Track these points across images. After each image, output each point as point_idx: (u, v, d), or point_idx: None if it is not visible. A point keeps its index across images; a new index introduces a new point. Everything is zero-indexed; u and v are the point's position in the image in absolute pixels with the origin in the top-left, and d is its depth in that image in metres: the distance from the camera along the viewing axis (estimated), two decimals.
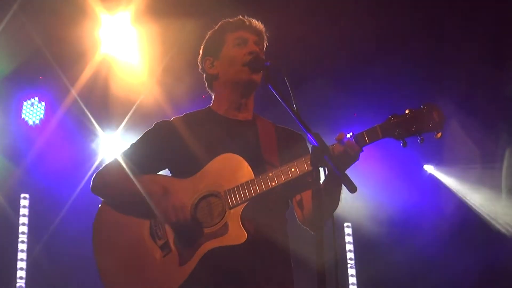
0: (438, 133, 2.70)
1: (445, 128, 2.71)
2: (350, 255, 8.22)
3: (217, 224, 2.82)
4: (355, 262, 8.19)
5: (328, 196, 2.81)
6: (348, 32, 6.30)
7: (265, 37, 3.19)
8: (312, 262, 2.33)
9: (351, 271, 8.17)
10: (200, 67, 3.26)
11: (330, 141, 2.77)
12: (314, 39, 6.30)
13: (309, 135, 2.59)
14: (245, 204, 2.82)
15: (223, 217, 2.82)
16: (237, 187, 2.84)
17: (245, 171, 2.87)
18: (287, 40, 5.75)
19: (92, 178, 3.08)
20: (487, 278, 7.66)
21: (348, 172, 2.72)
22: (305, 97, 5.80)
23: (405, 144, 2.73)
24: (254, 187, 2.82)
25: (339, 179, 2.50)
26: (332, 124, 6.95)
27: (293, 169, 2.81)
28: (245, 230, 2.77)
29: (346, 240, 8.23)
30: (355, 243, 8.26)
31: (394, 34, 6.46)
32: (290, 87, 2.71)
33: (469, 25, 6.30)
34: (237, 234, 2.77)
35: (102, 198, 3.08)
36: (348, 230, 8.29)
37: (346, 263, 8.14)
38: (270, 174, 2.82)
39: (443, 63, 6.82)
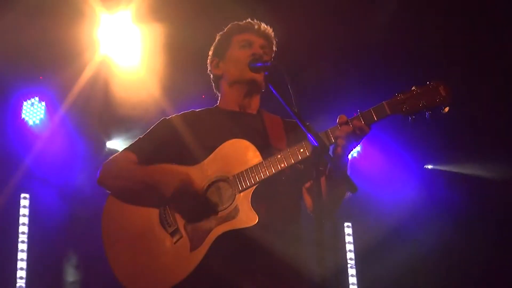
0: (445, 107, 2.70)
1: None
2: (350, 255, 8.21)
3: (227, 208, 2.81)
4: (355, 262, 8.18)
5: (329, 195, 2.81)
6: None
7: (274, 42, 3.22)
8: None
9: (351, 271, 8.17)
10: (208, 68, 3.33)
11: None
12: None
13: (309, 135, 2.59)
14: (255, 186, 2.80)
15: (233, 201, 2.81)
16: (246, 170, 2.83)
17: (253, 154, 2.87)
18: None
19: (99, 170, 3.09)
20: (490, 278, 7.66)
21: (349, 171, 2.73)
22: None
23: (414, 120, 2.72)
24: (263, 169, 2.81)
25: (339, 178, 2.49)
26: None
27: (301, 150, 2.79)
28: (256, 213, 2.75)
29: (346, 240, 8.23)
30: (355, 243, 8.25)
31: None
32: (291, 88, 2.70)
33: None
34: (247, 217, 2.75)
35: (108, 189, 3.09)
36: (348, 230, 8.28)
37: (346, 263, 8.14)
38: (279, 156, 2.81)
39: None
